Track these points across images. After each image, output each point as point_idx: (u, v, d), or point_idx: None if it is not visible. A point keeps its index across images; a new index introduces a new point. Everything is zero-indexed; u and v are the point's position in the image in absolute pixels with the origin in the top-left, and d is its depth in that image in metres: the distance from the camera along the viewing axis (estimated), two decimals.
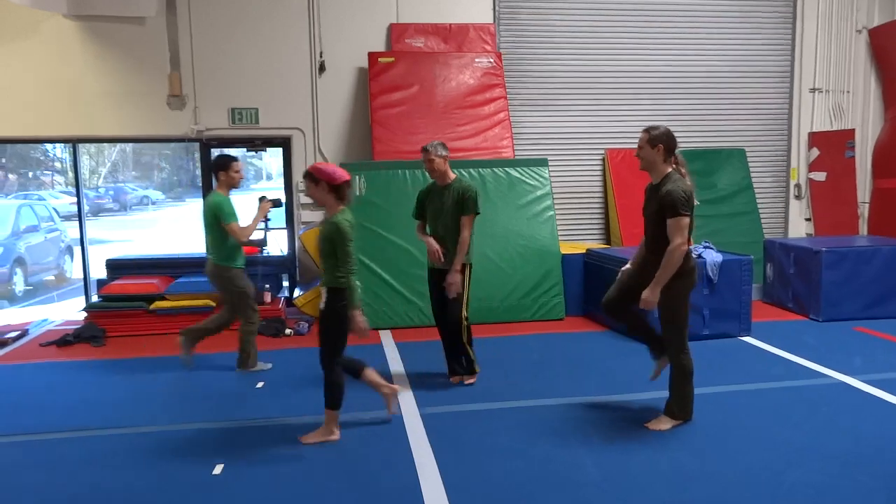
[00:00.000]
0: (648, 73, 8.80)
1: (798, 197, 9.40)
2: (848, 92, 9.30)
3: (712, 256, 6.40)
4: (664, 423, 4.29)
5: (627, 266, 4.51)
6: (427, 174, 5.26)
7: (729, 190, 8.80)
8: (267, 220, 6.02)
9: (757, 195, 8.97)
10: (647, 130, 4.18)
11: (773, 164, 9.35)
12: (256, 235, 5.94)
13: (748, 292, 6.51)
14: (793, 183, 9.38)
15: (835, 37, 9.18)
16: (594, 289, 7.24)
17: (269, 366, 5.75)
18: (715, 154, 8.90)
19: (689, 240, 4.08)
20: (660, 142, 4.13)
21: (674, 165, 4.19)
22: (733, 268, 6.42)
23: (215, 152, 7.93)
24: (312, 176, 4.13)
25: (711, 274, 6.35)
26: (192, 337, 5.67)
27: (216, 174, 5.61)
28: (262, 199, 5.86)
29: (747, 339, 6.40)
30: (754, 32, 9.06)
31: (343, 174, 4.17)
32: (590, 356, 5.98)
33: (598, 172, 8.86)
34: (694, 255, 6.38)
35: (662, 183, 4.13)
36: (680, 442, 4.08)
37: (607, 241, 8.84)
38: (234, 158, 5.68)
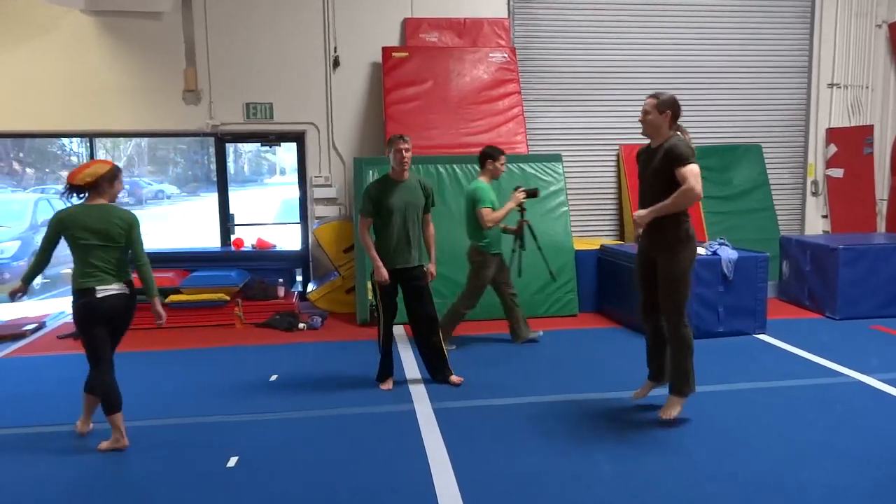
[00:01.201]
0: (664, 68, 8.73)
1: (815, 194, 9.31)
2: (867, 87, 9.19)
3: (727, 253, 6.35)
4: (675, 406, 4.24)
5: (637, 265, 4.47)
6: (397, 165, 4.93)
7: (745, 186, 8.73)
8: (522, 210, 5.98)
9: (773, 192, 8.90)
10: (655, 96, 4.13)
11: (790, 161, 9.26)
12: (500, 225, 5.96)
13: (763, 290, 6.46)
14: (810, 180, 9.28)
15: (854, 31, 9.07)
16: (608, 285, 7.22)
17: (453, 347, 5.88)
18: (731, 150, 8.83)
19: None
20: (668, 108, 4.09)
21: (676, 132, 4.14)
22: (749, 265, 6.38)
23: (230, 146, 7.98)
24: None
25: (726, 271, 6.31)
26: (519, 331, 6.12)
27: (483, 163, 5.88)
28: (516, 189, 5.94)
29: (762, 336, 6.36)
30: (772, 27, 8.97)
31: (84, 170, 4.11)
32: (603, 352, 5.96)
33: (613, 168, 8.82)
34: (709, 252, 6.40)
35: (664, 143, 4.07)
36: (693, 439, 4.06)
37: (621, 237, 8.80)
38: (502, 152, 5.94)
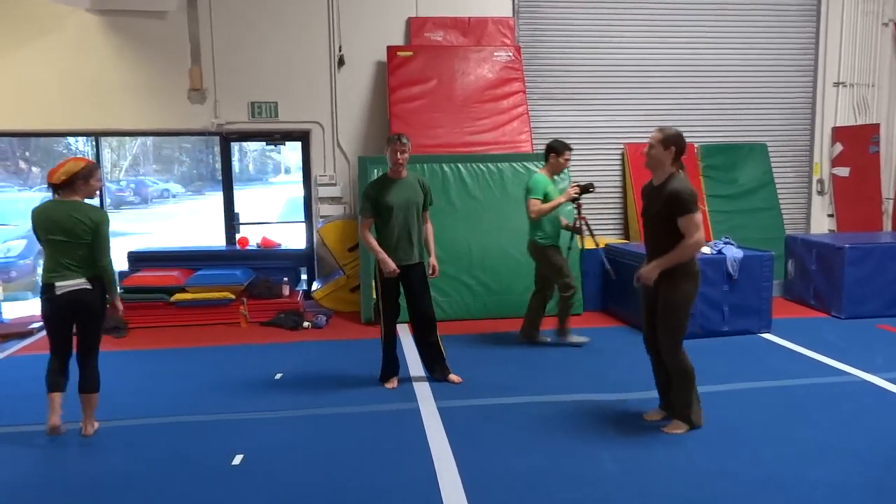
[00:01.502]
0: (669, 67, 8.71)
1: (821, 192, 9.27)
2: (873, 86, 9.15)
3: (732, 252, 6.34)
4: (679, 427, 4.22)
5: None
6: (391, 164, 4.96)
7: (750, 185, 8.71)
8: (576, 203, 5.97)
9: (779, 190, 8.87)
10: (661, 130, 4.13)
11: (795, 159, 9.23)
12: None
13: (769, 289, 6.44)
14: (815, 178, 9.25)
15: (860, 29, 9.03)
16: (613, 284, 7.20)
17: (586, 339, 5.95)
18: (736, 149, 8.81)
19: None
20: (673, 144, 4.07)
21: (677, 168, 4.12)
22: (754, 264, 6.36)
23: (235, 145, 7.99)
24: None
25: (731, 270, 6.29)
26: (529, 330, 6.06)
27: (547, 156, 5.92)
28: (572, 185, 5.99)
29: (767, 335, 6.34)
30: (778, 25, 8.93)
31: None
32: (608, 351, 5.95)
33: (618, 167, 8.80)
34: (714, 251, 6.39)
35: (666, 183, 4.06)
36: (698, 439, 4.06)
37: (626, 236, 8.79)
38: (568, 147, 5.95)
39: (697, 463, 3.75)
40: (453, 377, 5.15)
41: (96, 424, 4.31)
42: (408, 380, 5.22)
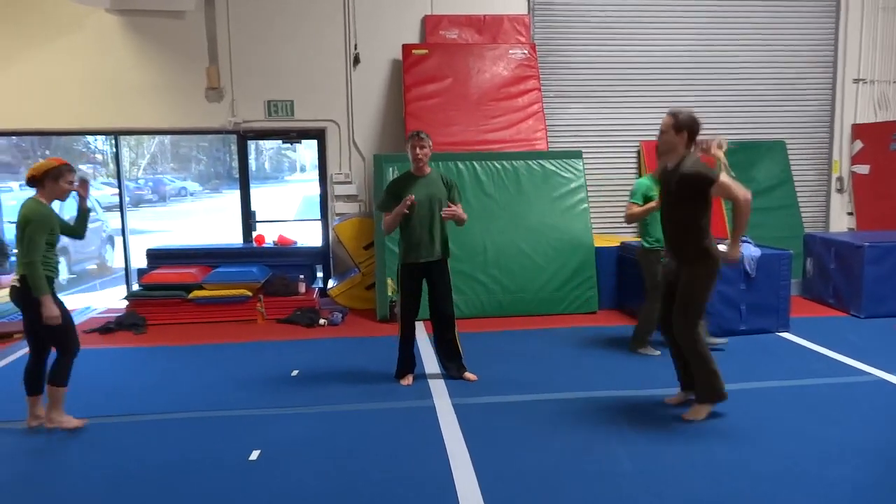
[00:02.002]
0: (685, 63, 8.66)
1: (840, 190, 9.18)
2: (893, 82, 9.03)
3: (750, 251, 6.29)
4: (701, 412, 4.24)
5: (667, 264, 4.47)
6: (412, 162, 4.97)
7: (768, 183, 8.63)
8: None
9: (797, 188, 8.79)
10: (674, 115, 4.12)
11: (814, 157, 9.14)
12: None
13: (787, 287, 6.39)
14: (834, 176, 9.16)
15: (881, 25, 8.92)
16: (628, 282, 7.18)
17: (657, 352, 5.67)
18: (754, 146, 8.74)
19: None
20: (685, 128, 4.08)
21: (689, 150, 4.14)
22: (772, 262, 6.31)
23: (251, 144, 8.04)
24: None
25: (749, 269, 6.24)
26: (640, 340, 5.78)
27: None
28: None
29: (785, 335, 6.29)
30: (797, 21, 8.85)
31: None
32: (623, 350, 5.93)
33: (633, 164, 8.76)
34: None
35: (680, 164, 4.08)
36: (715, 436, 4.04)
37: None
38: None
39: (715, 460, 3.73)
40: (468, 375, 5.16)
41: (64, 421, 4.26)
42: (423, 377, 5.24)
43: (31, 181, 4.20)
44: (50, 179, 4.17)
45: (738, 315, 6.26)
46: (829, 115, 9.08)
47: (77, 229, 4.55)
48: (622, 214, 8.88)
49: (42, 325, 4.14)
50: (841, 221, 9.19)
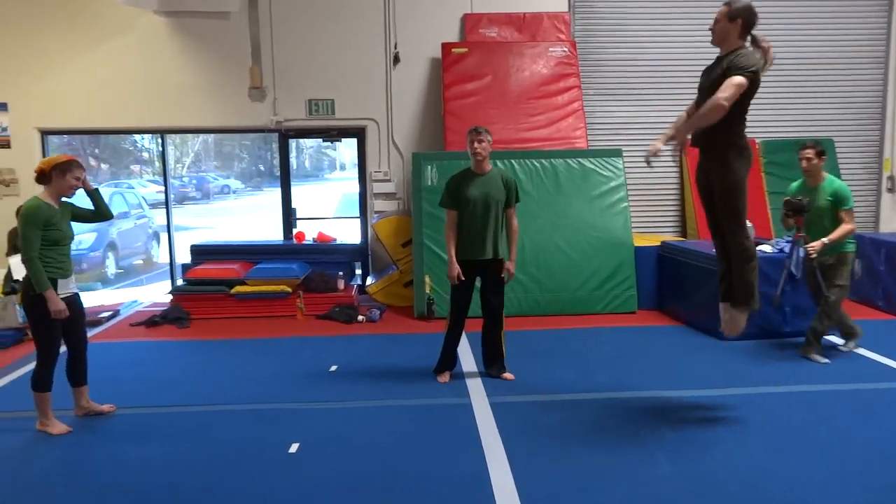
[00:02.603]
0: None
1: (891, 190, 8.89)
2: None
3: (796, 251, 6.12)
4: (738, 321, 4.14)
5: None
6: (472, 158, 4.92)
7: None
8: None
9: None
10: (728, 3, 3.97)
11: (864, 156, 8.87)
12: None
13: None
14: (885, 175, 8.87)
15: None
16: (668, 282, 7.09)
17: (827, 361, 5.41)
18: (801, 144, 8.49)
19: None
20: (739, 16, 3.92)
21: (749, 45, 3.95)
22: None
23: (292, 142, 8.14)
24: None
25: (794, 270, 6.08)
26: (814, 341, 5.56)
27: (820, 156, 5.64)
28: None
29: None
30: (846, 15, 8.60)
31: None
32: (662, 350, 5.86)
33: (675, 163, 8.63)
34: (775, 250, 6.20)
35: (729, 53, 3.92)
36: (757, 439, 3.96)
37: (683, 233, 8.62)
38: (805, 144, 5.84)
39: (758, 465, 3.66)
40: (507, 375, 5.13)
41: (48, 426, 4.22)
42: (461, 374, 5.25)
43: (40, 175, 4.15)
44: (57, 174, 4.12)
45: (782, 317, 6.11)
46: (881, 113, 8.80)
47: (99, 211, 4.42)
48: (663, 214, 8.87)
49: (31, 322, 4.11)
50: (892, 222, 8.90)
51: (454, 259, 4.92)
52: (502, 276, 5.04)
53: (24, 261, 4.03)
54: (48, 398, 4.22)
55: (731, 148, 3.95)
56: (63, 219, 4.21)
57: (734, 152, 3.95)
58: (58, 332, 4.19)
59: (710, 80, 4.00)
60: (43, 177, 4.16)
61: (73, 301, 4.28)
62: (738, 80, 3.77)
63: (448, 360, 5.18)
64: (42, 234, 4.03)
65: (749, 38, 3.97)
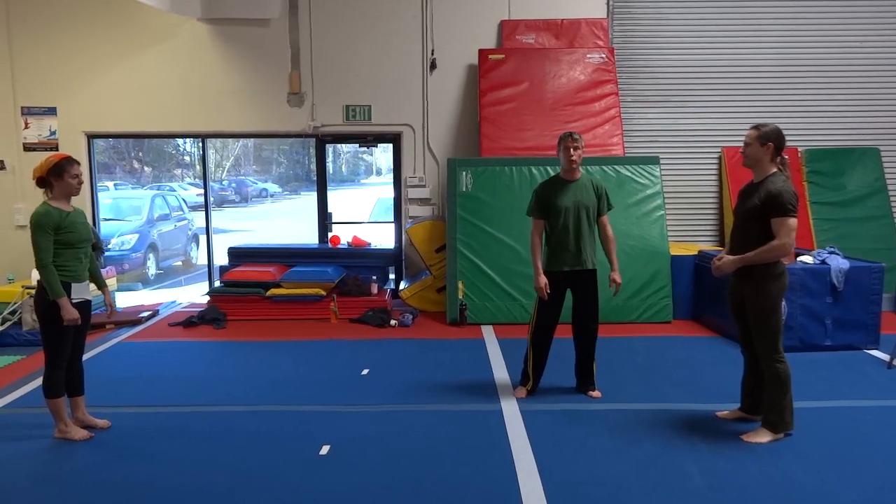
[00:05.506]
0: (769, 66, 8.33)
1: None
2: None
3: (838, 262, 5.99)
4: (763, 436, 4.06)
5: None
6: (565, 163, 4.71)
7: (860, 192, 8.19)
8: None
9: (892, 198, 8.30)
10: (757, 127, 4.03)
11: None
12: None
13: (878, 302, 6.04)
14: None
15: None
16: (705, 292, 6.97)
17: None
18: (845, 153, 8.31)
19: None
20: (770, 140, 3.97)
21: (779, 167, 4.01)
22: (862, 275, 5.99)
23: (329, 147, 8.22)
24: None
25: (836, 282, 5.95)
26: None
27: None
28: None
29: (875, 352, 5.96)
30: (891, 18, 8.36)
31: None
32: (698, 362, 5.76)
33: (714, 171, 8.50)
34: (817, 261, 6.06)
35: (765, 181, 3.96)
36: (794, 455, 3.87)
37: (721, 243, 8.47)
38: None
39: (793, 480, 3.57)
40: (593, 393, 4.92)
41: (67, 432, 4.17)
42: (492, 381, 5.24)
43: (40, 182, 4.06)
44: (54, 177, 4.02)
45: (822, 330, 5.97)
46: None
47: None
48: (701, 223, 8.73)
49: (42, 328, 4.05)
50: None
51: (540, 269, 4.71)
52: (610, 288, 4.85)
53: (38, 269, 3.96)
54: (62, 404, 4.18)
55: (768, 277, 3.96)
56: (77, 219, 4.11)
57: (765, 277, 3.96)
58: (68, 337, 4.11)
59: (746, 208, 4.03)
60: (43, 183, 4.07)
61: (84, 308, 4.19)
62: (793, 222, 3.85)
63: (530, 379, 4.91)
64: (55, 238, 3.97)
65: (779, 159, 4.01)
